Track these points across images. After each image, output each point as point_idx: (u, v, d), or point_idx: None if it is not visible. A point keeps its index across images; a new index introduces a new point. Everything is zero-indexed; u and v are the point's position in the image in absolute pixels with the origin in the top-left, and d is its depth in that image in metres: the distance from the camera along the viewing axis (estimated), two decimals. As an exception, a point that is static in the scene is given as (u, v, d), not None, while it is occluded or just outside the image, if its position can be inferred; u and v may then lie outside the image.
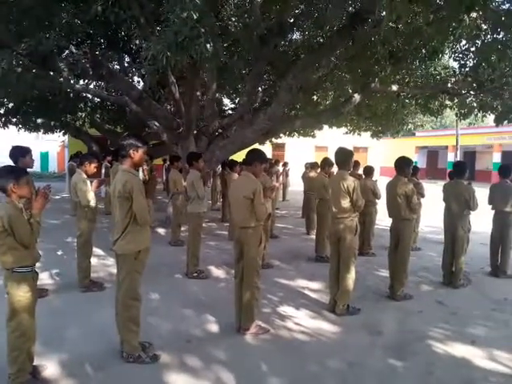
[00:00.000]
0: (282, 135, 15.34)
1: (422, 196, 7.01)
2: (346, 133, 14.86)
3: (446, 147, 28.26)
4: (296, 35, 9.74)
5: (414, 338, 3.75)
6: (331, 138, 24.62)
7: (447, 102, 9.50)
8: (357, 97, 8.29)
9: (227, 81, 8.32)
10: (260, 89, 10.35)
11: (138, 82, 12.22)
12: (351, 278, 4.21)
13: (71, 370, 3.06)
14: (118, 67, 11.37)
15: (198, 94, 8.95)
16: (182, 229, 7.39)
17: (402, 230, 4.75)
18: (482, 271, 6.00)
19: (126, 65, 11.69)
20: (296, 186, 14.63)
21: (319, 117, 9.23)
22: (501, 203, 5.68)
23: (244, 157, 3.91)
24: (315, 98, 10.40)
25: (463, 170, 5.24)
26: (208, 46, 4.32)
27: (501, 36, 6.76)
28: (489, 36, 6.94)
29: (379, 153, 30.98)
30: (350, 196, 4.16)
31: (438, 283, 5.39)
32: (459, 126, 24.10)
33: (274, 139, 17.30)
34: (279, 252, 6.81)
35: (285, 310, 4.34)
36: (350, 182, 4.15)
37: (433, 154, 31.46)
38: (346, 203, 4.19)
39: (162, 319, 4.06)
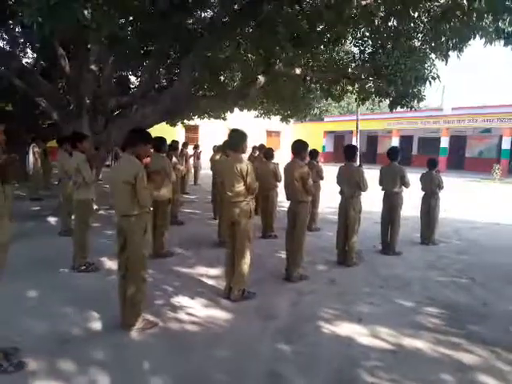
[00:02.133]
0: (194, 117, 14.95)
1: (321, 178, 7.22)
2: (257, 116, 14.89)
3: (351, 132, 29.93)
4: (205, 13, 9.36)
5: (305, 319, 3.79)
6: (245, 121, 24.64)
7: (348, 87, 9.85)
8: (261, 79, 8.22)
9: (121, 56, 7.68)
10: (164, 66, 9.84)
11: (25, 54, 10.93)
12: (246, 262, 4.13)
13: None
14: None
15: (95, 68, 8.20)
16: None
17: (298, 212, 4.78)
18: (373, 249, 6.36)
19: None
20: (209, 169, 14.35)
21: (225, 98, 9.03)
22: (389, 184, 6.03)
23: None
24: (222, 78, 10.16)
25: (353, 153, 5.44)
26: (85, 12, 3.85)
27: (395, 24, 7.12)
28: (385, 24, 7.27)
29: (291, 137, 31.82)
30: (244, 179, 4.04)
31: (333, 262, 5.59)
32: (365, 111, 25.66)
33: (186, 121, 16.80)
34: (182, 238, 6.57)
35: (178, 300, 4.13)
36: (244, 166, 4.03)
37: (339, 138, 33.15)
38: (240, 187, 4.06)
39: (38, 319, 3.63)
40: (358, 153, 5.54)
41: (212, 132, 25.68)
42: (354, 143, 25.95)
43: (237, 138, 4.15)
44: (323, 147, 31.68)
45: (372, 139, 32.09)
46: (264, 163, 7.06)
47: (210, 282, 4.70)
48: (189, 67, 7.59)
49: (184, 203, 9.79)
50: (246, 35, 7.94)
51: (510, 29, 6.03)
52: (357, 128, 23.85)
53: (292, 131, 31.63)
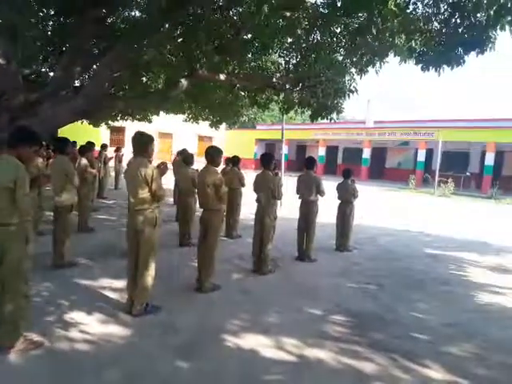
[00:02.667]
0: (118, 118, 14.25)
1: (243, 185, 7.16)
2: (185, 120, 14.57)
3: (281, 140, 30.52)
4: (131, 12, 8.98)
5: (210, 332, 3.61)
6: (176, 125, 24.16)
7: (274, 97, 9.95)
8: (184, 82, 7.99)
9: (22, 49, 7.07)
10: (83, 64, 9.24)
11: None
12: (150, 274, 3.87)
13: None
14: None
15: (2, 62, 7.44)
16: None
17: (210, 220, 4.62)
18: (290, 256, 6.38)
19: None
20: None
21: (145, 100, 8.66)
22: (305, 193, 6.10)
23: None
24: (144, 79, 9.76)
25: (269, 161, 5.41)
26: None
27: (318, 37, 7.29)
28: (307, 36, 7.43)
29: (223, 143, 31.79)
30: (149, 185, 3.80)
31: (249, 270, 5.49)
32: (297, 121, 26.25)
33: (110, 122, 15.98)
34: (90, 247, 6.10)
35: (73, 316, 3.75)
36: (149, 171, 3.77)
37: (271, 146, 33.63)
38: (144, 193, 3.80)
39: None
40: (284, 161, 5.55)
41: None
42: (285, 152, 26.47)
43: (142, 142, 3.89)
44: (255, 154, 32.00)
45: (301, 148, 32.99)
46: (184, 169, 6.83)
47: (113, 295, 4.36)
48: (106, 66, 7.17)
49: (99, 209, 9.22)
50: (168, 37, 7.68)
51: (421, 49, 6.45)
52: (282, 137, 24.49)
53: (225, 137, 31.59)
